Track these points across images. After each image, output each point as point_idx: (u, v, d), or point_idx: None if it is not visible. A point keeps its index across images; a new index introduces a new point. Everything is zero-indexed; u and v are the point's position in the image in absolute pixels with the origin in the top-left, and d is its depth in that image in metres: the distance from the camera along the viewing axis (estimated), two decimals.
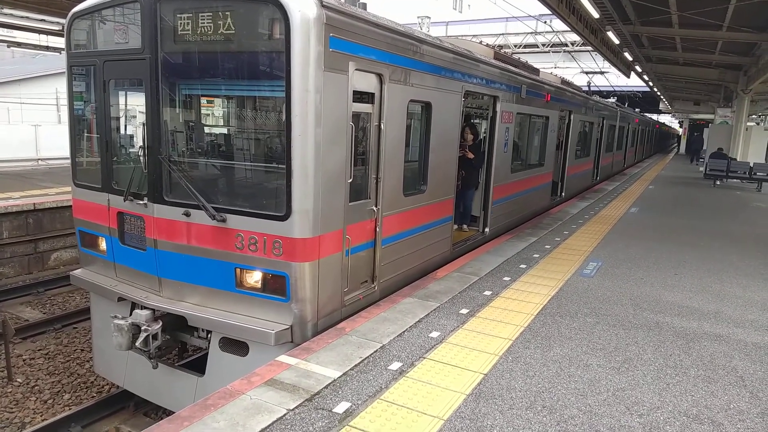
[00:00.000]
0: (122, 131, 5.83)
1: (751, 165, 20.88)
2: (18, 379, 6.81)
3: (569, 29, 16.24)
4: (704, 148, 32.62)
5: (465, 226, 9.20)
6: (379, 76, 5.39)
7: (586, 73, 25.41)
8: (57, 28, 21.04)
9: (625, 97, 33.55)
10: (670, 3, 13.58)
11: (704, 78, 26.34)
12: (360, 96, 5.19)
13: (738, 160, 22.60)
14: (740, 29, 15.43)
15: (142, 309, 5.12)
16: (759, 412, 3.96)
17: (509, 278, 6.87)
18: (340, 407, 3.68)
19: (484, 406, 3.81)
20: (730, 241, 10.09)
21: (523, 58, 16.84)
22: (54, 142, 20.39)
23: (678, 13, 14.35)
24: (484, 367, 4.39)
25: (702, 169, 24.79)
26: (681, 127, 60.11)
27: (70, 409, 6.18)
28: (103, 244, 5.78)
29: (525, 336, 5.08)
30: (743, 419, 3.84)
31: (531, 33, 32.09)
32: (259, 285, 4.82)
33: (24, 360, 7.31)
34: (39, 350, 7.62)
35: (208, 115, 5.71)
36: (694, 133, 45.78)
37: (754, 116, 43.31)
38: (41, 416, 6.12)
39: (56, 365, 7.24)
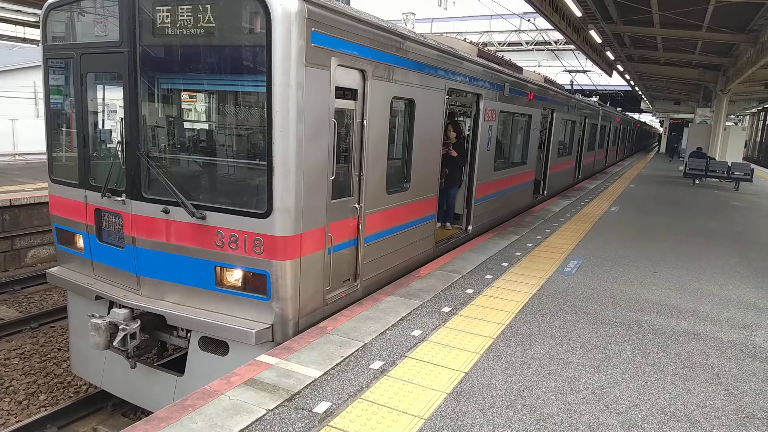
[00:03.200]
0: (100, 126, 5.71)
1: (729, 164, 21.26)
2: None
3: (553, 28, 16.35)
4: (683, 147, 33.21)
5: (448, 224, 9.22)
6: (362, 72, 5.35)
7: (569, 71, 25.62)
8: (34, 20, 20.62)
9: (607, 96, 33.94)
10: (651, 2, 13.73)
11: (684, 77, 26.75)
12: (343, 92, 5.15)
13: (716, 159, 22.99)
14: (720, 30, 15.69)
15: (120, 308, 5.02)
16: (734, 409, 4.02)
17: (491, 276, 6.89)
18: (321, 407, 3.65)
19: (464, 405, 3.81)
20: (709, 240, 10.26)
21: (507, 56, 16.91)
22: (32, 136, 19.98)
23: (659, 12, 14.52)
24: (466, 366, 4.40)
25: (681, 168, 25.18)
26: (662, 126, 61.03)
27: (45, 410, 6.06)
28: (80, 242, 5.67)
29: (506, 334, 5.10)
30: (719, 416, 3.90)
31: (515, 31, 32.28)
32: (239, 283, 4.77)
33: None
34: (14, 350, 7.45)
35: (187, 110, 5.62)
36: (672, 132, 46.63)
37: (732, 116, 44.16)
38: (15, 418, 5.99)
39: (32, 365, 7.09)
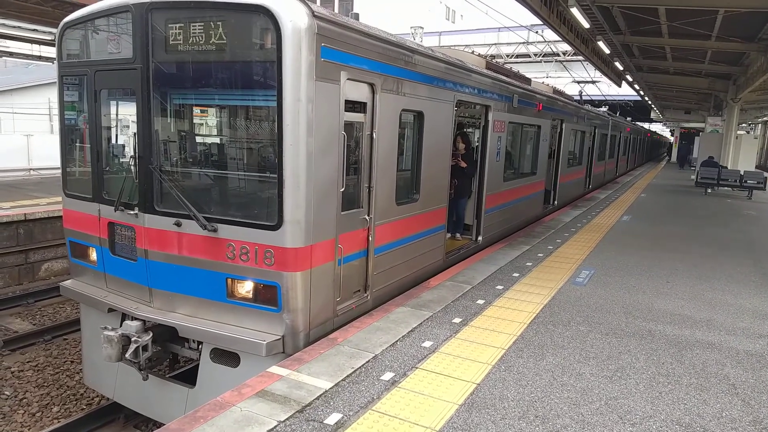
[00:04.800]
0: (113, 141, 5.81)
1: (742, 173, 21.05)
2: (6, 392, 6.71)
3: (561, 39, 16.39)
4: (694, 156, 33.00)
5: (458, 235, 9.21)
6: (371, 85, 5.40)
7: (578, 82, 25.61)
8: (49, 38, 21.05)
9: (617, 106, 33.82)
10: (659, 13, 13.73)
11: (694, 87, 26.62)
12: (352, 105, 5.20)
13: (728, 168, 22.79)
14: (729, 39, 15.62)
15: (132, 320, 5.08)
16: (751, 420, 3.96)
17: (502, 287, 6.87)
18: (332, 419, 3.65)
19: (476, 417, 3.79)
20: (722, 249, 10.14)
21: (515, 67, 16.98)
22: (46, 152, 20.30)
23: (668, 23, 14.51)
24: (477, 377, 4.37)
25: (693, 177, 24.99)
26: (672, 135, 60.68)
27: (59, 422, 6.10)
28: (93, 255, 5.74)
29: (518, 345, 5.07)
30: (735, 427, 3.84)
31: (523, 43, 32.38)
32: (250, 295, 4.79)
33: (12, 372, 7.21)
34: (28, 362, 7.52)
35: (199, 124, 5.70)
36: (683, 141, 46.48)
37: (743, 124, 43.82)
38: (29, 429, 6.04)
39: (45, 377, 7.15)
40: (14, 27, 20.54)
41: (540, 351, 4.97)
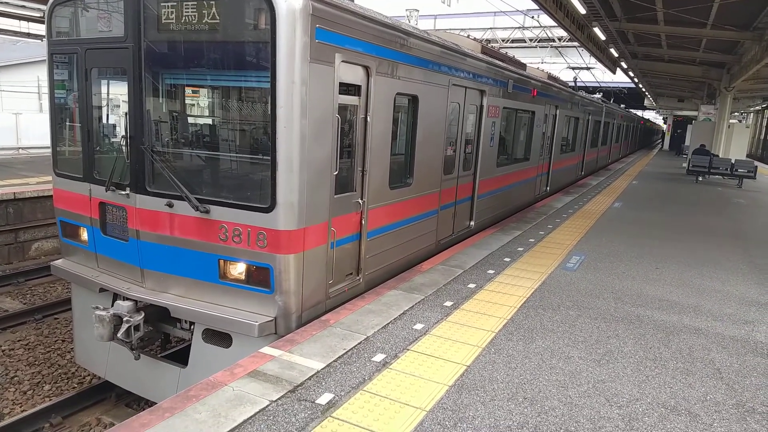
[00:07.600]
0: (104, 120, 5.75)
1: (733, 161, 21.21)
2: None
3: (556, 25, 16.29)
4: (686, 144, 33.20)
5: None
6: (366, 68, 5.37)
7: (573, 68, 25.56)
8: (38, 15, 20.65)
9: (611, 93, 33.83)
10: (656, 0, 13.69)
11: (688, 75, 26.65)
12: (346, 88, 5.16)
13: (720, 156, 22.93)
14: (724, 27, 15.62)
15: (124, 300, 5.07)
16: (734, 403, 4.04)
17: (493, 271, 6.92)
18: (323, 398, 3.69)
19: (466, 398, 3.84)
20: (711, 237, 10.25)
21: (511, 52, 16.90)
22: (35, 130, 20.03)
23: (663, 10, 14.47)
24: (467, 359, 4.43)
25: (684, 165, 25.14)
26: (665, 123, 60.88)
27: (50, 399, 6.11)
28: (84, 235, 5.71)
29: (508, 328, 5.13)
30: (719, 410, 3.93)
31: (518, 28, 32.20)
32: (242, 277, 4.80)
33: (3, 351, 7.20)
34: (19, 341, 7.51)
35: (192, 105, 5.64)
36: (677, 130, 46.68)
37: (736, 113, 43.99)
38: (20, 407, 6.05)
39: (36, 356, 7.15)
40: (1, 3, 20.12)
41: (530, 334, 5.03)
